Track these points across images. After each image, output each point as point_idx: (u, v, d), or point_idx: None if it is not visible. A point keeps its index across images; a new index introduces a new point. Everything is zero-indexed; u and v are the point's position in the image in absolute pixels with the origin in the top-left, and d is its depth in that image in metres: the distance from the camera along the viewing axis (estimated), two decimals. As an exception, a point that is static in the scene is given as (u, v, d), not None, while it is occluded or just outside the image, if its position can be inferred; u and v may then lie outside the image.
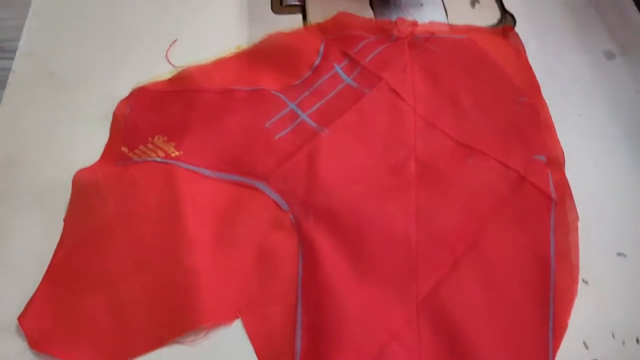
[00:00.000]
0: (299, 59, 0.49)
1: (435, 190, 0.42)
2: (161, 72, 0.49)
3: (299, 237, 0.40)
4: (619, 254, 0.40)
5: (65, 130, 0.46)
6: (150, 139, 0.44)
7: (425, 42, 0.50)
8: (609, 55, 0.50)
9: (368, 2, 0.54)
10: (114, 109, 0.47)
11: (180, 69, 0.49)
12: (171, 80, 0.48)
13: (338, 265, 0.38)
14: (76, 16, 0.53)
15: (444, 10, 0.54)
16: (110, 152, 0.44)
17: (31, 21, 0.53)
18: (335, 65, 0.48)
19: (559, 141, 0.45)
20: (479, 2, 0.54)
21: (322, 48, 0.50)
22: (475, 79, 0.48)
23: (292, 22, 0.53)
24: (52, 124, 0.46)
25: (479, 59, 0.49)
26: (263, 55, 0.50)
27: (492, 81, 0.48)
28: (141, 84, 0.48)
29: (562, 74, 0.49)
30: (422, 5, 0.54)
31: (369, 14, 0.53)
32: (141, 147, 0.43)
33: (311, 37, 0.51)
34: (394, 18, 0.53)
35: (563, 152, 0.44)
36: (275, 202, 0.41)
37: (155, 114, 0.46)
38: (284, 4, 0.55)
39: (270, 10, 0.54)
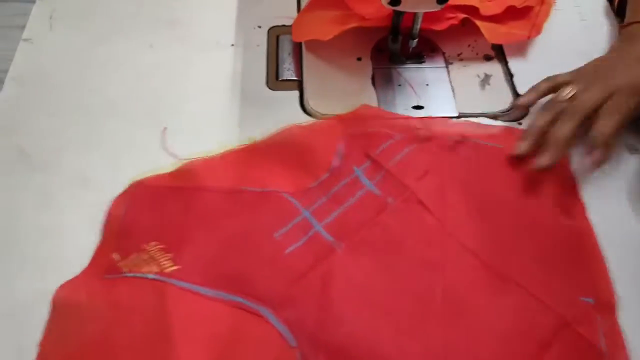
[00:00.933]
0: (316, 158, 0.44)
1: (464, 328, 0.36)
2: (138, 151, 0.45)
3: None
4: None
5: (34, 219, 0.42)
6: (145, 245, 0.39)
7: (457, 145, 0.45)
8: (633, 149, 0.46)
9: (370, 80, 0.51)
10: (88, 195, 0.43)
11: (183, 161, 0.44)
12: (173, 175, 0.44)
13: None
14: (55, 89, 0.50)
15: (451, 91, 0.50)
16: (100, 258, 0.39)
17: (7, 91, 0.49)
18: (355, 168, 0.43)
19: (609, 279, 0.39)
20: (489, 84, 0.51)
21: (341, 146, 0.45)
22: (514, 195, 0.43)
23: (288, 98, 0.49)
24: (21, 211, 0.42)
25: (518, 172, 0.44)
26: (276, 152, 0.45)
27: (532, 200, 0.42)
28: (139, 177, 0.43)
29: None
30: (427, 85, 0.50)
31: (370, 91, 0.50)
32: (134, 255, 0.39)
33: (330, 132, 0.46)
34: (397, 97, 0.49)
35: (614, 294, 0.38)
36: (282, 335, 0.36)
37: (153, 216, 0.41)
38: (279, 79, 0.51)
39: (265, 86, 0.51)
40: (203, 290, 0.37)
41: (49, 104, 0.49)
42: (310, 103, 0.49)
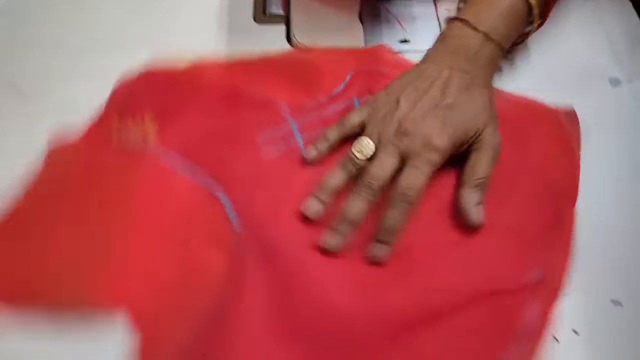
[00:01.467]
0: (322, 81, 0.45)
1: (405, 277, 0.36)
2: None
3: (234, 266, 0.36)
4: (614, 302, 0.37)
5: (26, 142, 0.43)
6: (139, 115, 0.42)
7: None
8: (615, 83, 0.46)
9: (357, 16, 0.51)
10: (78, 118, 0.44)
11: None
12: (186, 70, 0.45)
13: (257, 313, 0.35)
14: (42, 21, 0.51)
15: (438, 26, 0.50)
16: (98, 127, 0.43)
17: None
18: (355, 98, 0.44)
19: (567, 260, 0.36)
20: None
21: (348, 77, 0.46)
22: (505, 162, 0.40)
23: (274, 32, 0.50)
24: (12, 135, 0.44)
25: (516, 140, 0.41)
26: (286, 67, 0.47)
27: (523, 172, 0.40)
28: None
29: (564, 101, 0.45)
30: (414, 19, 0.50)
31: (357, 27, 0.50)
32: (130, 122, 0.42)
33: (342, 62, 0.47)
34: (384, 32, 0.50)
35: (565, 278, 0.36)
36: (228, 218, 0.38)
37: (152, 93, 0.44)
38: (267, 14, 0.52)
39: (252, 20, 0.51)
40: (175, 162, 0.40)
41: (33, 38, 0.50)
42: (297, 37, 0.49)
